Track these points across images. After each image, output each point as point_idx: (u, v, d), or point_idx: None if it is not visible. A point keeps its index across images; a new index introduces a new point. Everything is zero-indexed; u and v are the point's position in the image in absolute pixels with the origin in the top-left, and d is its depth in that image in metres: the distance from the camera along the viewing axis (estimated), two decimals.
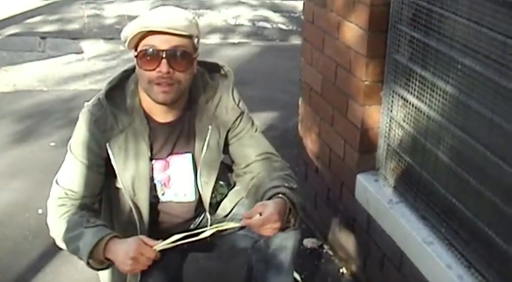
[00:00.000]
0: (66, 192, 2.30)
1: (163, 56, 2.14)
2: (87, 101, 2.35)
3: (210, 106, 2.39)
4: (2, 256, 3.44)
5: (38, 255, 3.44)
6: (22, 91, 5.87)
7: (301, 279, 2.69)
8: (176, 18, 2.15)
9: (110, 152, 2.29)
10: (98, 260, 2.19)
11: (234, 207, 2.56)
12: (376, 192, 2.87)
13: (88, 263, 2.19)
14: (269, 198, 2.26)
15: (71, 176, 2.32)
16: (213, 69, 2.45)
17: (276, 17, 8.63)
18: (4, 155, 4.58)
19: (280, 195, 2.26)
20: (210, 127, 2.38)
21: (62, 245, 2.30)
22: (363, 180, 2.97)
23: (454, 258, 2.42)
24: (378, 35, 2.73)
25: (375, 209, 2.90)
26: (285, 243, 2.40)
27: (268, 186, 2.33)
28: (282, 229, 2.25)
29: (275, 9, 8.97)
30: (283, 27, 8.08)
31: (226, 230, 2.27)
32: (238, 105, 2.45)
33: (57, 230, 2.28)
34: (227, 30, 8.07)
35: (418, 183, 2.67)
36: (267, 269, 2.46)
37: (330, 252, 3.48)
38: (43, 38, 7.52)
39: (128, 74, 2.35)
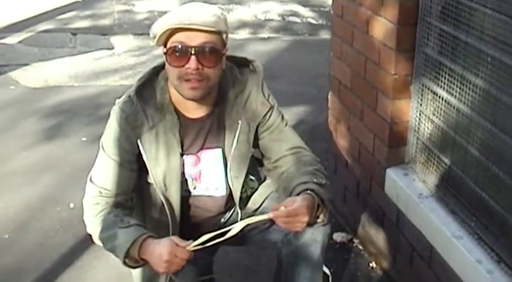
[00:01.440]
0: (100, 190, 2.32)
1: (192, 52, 2.15)
2: (118, 98, 2.36)
3: (240, 101, 2.39)
4: (33, 249, 3.49)
5: (68, 248, 3.48)
6: (53, 87, 5.94)
7: (331, 273, 2.68)
8: (205, 15, 2.15)
9: (141, 148, 2.30)
10: (134, 259, 2.21)
11: (264, 201, 2.56)
12: (405, 187, 2.86)
13: (124, 262, 2.22)
14: (298, 194, 2.27)
15: (104, 174, 2.34)
16: (242, 64, 2.46)
17: (305, 11, 8.62)
18: (36, 150, 4.64)
19: (308, 191, 2.26)
20: (239, 122, 2.38)
21: (99, 243, 2.32)
22: (392, 174, 2.96)
23: (483, 253, 2.40)
24: (407, 29, 2.71)
25: (404, 203, 2.88)
26: (315, 237, 2.39)
27: (298, 182, 2.33)
28: (310, 224, 2.25)
29: (304, 3, 8.94)
30: (313, 21, 8.06)
31: (255, 223, 2.27)
32: (267, 99, 2.45)
33: (93, 228, 2.31)
34: (257, 25, 8.07)
35: (448, 177, 2.65)
36: (297, 262, 2.46)
37: (360, 247, 3.47)
38: (74, 34, 7.60)
39: (158, 70, 2.36)
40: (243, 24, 8.05)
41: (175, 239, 2.16)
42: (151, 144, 2.31)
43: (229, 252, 3.20)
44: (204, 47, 2.16)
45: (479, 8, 2.29)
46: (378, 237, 3.23)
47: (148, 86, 2.33)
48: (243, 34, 7.67)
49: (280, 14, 8.52)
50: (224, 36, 2.25)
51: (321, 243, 2.41)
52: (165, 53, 2.21)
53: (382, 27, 2.83)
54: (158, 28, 2.17)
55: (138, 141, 2.29)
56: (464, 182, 2.55)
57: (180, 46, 2.16)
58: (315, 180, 2.33)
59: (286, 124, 2.51)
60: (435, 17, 2.58)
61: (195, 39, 2.15)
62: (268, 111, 2.45)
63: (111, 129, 2.32)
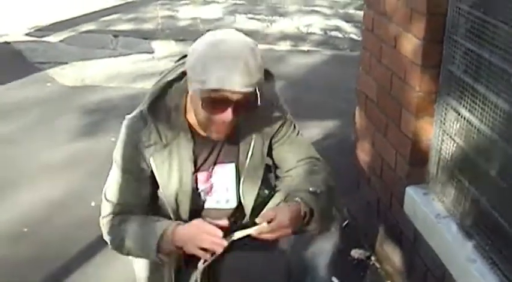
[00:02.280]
0: (118, 207, 2.31)
1: (231, 106, 2.05)
2: (128, 114, 2.31)
3: (254, 114, 2.34)
4: (53, 244, 3.52)
5: (86, 246, 3.49)
6: (90, 86, 6.01)
7: None
8: (253, 73, 2.01)
9: (153, 166, 2.27)
10: (166, 252, 2.20)
11: None
12: (424, 206, 2.82)
13: (157, 256, 2.21)
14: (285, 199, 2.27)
15: (121, 190, 2.31)
16: None
17: (348, 27, 8.59)
18: (65, 147, 4.69)
19: (296, 198, 2.24)
20: (253, 136, 2.35)
21: (127, 249, 2.30)
22: (412, 193, 2.92)
23: (496, 278, 2.34)
24: (433, 45, 2.67)
25: (422, 223, 2.84)
26: (324, 247, 2.38)
27: (292, 190, 2.32)
28: (296, 233, 2.23)
29: (348, 19, 8.92)
30: (355, 37, 8.01)
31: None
32: (281, 110, 2.42)
33: (119, 239, 2.29)
34: (298, 38, 8.07)
35: (466, 199, 2.61)
36: (305, 272, 2.44)
37: (377, 264, 3.42)
38: (116, 36, 7.69)
39: (171, 84, 2.25)
40: (284, 36, 8.05)
41: (208, 219, 2.16)
42: (164, 162, 2.27)
43: (238, 259, 3.18)
44: (243, 100, 2.05)
45: (503, 26, 2.25)
46: (394, 255, 3.19)
47: (162, 101, 2.24)
48: (284, 46, 7.67)
49: (323, 28, 8.50)
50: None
51: (328, 253, 2.39)
52: (200, 97, 2.07)
53: (409, 43, 2.80)
54: (198, 77, 2.02)
55: (151, 159, 2.25)
56: (481, 204, 2.50)
57: (220, 99, 2.03)
58: (310, 189, 2.30)
59: (298, 133, 2.48)
60: (461, 35, 2.54)
61: (236, 97, 2.03)
62: (281, 123, 2.42)
63: (124, 146, 2.28)
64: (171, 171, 2.29)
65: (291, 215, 2.16)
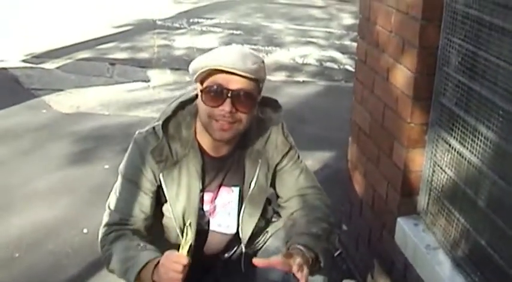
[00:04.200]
0: (120, 217, 2.33)
1: (229, 95, 2.15)
2: (140, 130, 2.36)
3: (261, 141, 2.39)
4: (42, 270, 3.52)
5: (76, 273, 3.50)
6: (84, 113, 6.03)
7: None
8: (247, 61, 2.15)
9: (163, 183, 2.30)
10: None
11: (268, 239, 2.56)
12: (414, 237, 2.82)
13: None
14: (289, 248, 2.26)
15: (125, 200, 2.35)
16: (263, 103, 2.45)
17: (343, 58, 8.65)
18: (58, 173, 4.70)
19: (299, 246, 2.23)
20: (259, 161, 2.39)
21: (112, 268, 2.31)
22: (403, 224, 2.92)
23: None
24: (425, 78, 2.69)
25: (412, 254, 2.84)
26: (315, 279, 2.37)
27: (295, 232, 2.33)
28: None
29: (343, 50, 8.98)
30: (350, 68, 8.05)
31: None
32: (287, 139, 2.45)
33: (108, 254, 2.30)
34: (294, 69, 8.13)
35: (456, 230, 2.61)
36: None
37: None
38: (112, 64, 7.74)
39: (183, 104, 2.35)
40: (280, 67, 8.10)
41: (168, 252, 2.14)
42: (173, 180, 2.31)
43: None
44: (241, 92, 2.16)
45: (493, 59, 2.28)
46: None
47: (174, 120, 2.32)
48: (279, 76, 7.71)
49: (318, 60, 8.56)
50: (261, 84, 2.26)
51: None
52: (201, 91, 2.21)
53: (401, 74, 2.83)
54: (199, 66, 2.17)
55: (161, 175, 2.29)
56: (471, 235, 2.51)
57: (217, 87, 2.15)
58: (313, 230, 2.32)
59: (301, 162, 2.51)
60: (453, 68, 2.57)
61: (233, 83, 2.15)
62: (287, 151, 2.45)
63: (135, 159, 2.32)
64: (179, 189, 2.32)
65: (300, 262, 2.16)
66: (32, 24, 9.33)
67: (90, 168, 4.79)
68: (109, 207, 2.38)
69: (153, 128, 2.31)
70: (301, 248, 2.23)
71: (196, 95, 2.29)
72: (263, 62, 2.24)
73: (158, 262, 2.14)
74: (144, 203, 2.34)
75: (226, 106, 2.15)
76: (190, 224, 2.31)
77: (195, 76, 2.19)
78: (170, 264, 2.07)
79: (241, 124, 2.22)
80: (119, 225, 2.33)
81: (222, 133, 2.22)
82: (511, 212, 2.25)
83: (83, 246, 3.70)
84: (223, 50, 2.22)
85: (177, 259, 2.07)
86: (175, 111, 2.32)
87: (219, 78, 2.15)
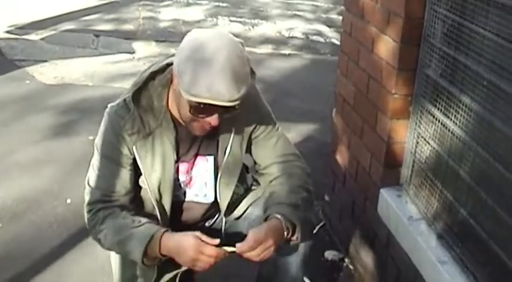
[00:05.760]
0: (103, 194, 2.29)
1: (218, 112, 2.09)
2: (111, 103, 2.32)
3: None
4: (25, 241, 3.50)
5: (60, 243, 3.49)
6: (68, 84, 5.99)
7: None
8: (240, 85, 2.03)
9: (136, 155, 2.27)
10: (152, 257, 2.19)
11: (248, 207, 2.55)
12: (397, 208, 2.83)
13: (142, 262, 2.19)
14: (266, 218, 2.26)
15: (105, 176, 2.30)
16: None
17: (329, 31, 8.63)
18: (42, 144, 4.67)
19: (278, 215, 2.24)
20: (233, 130, 2.36)
21: (109, 247, 2.30)
22: (385, 195, 2.93)
23: (466, 280, 2.36)
24: (410, 48, 2.69)
25: (395, 225, 2.85)
26: (296, 248, 2.38)
27: (273, 202, 2.34)
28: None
29: (330, 24, 8.96)
30: (336, 42, 8.02)
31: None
32: (261, 106, 2.43)
33: (101, 235, 2.27)
34: (280, 42, 8.10)
35: (439, 201, 2.62)
36: (277, 272, 2.45)
37: (350, 266, 3.43)
38: (97, 35, 7.68)
39: (154, 75, 2.26)
40: (266, 40, 8.08)
41: (200, 235, 2.13)
42: (147, 151, 2.28)
43: None
44: (230, 108, 2.08)
45: (479, 30, 2.27)
46: (368, 258, 3.20)
47: (145, 91, 2.25)
48: (265, 49, 7.69)
49: (304, 33, 8.54)
50: None
51: (301, 255, 2.40)
52: (188, 100, 2.08)
53: (386, 45, 2.82)
54: (185, 87, 2.03)
55: (134, 148, 2.25)
56: (453, 207, 2.51)
57: (207, 106, 2.06)
58: (292, 200, 2.32)
59: (278, 130, 2.48)
60: (438, 38, 2.56)
61: (222, 105, 2.05)
62: (262, 119, 2.42)
63: (108, 134, 2.28)
64: (153, 160, 2.29)
65: (273, 234, 2.17)
66: None
67: (74, 139, 4.76)
68: (89, 184, 2.33)
69: (124, 100, 2.25)
70: (279, 216, 2.23)
71: (167, 64, 2.23)
72: (249, 60, 2.11)
73: (162, 235, 2.15)
74: (123, 177, 2.31)
75: (214, 121, 2.11)
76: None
77: (181, 90, 2.07)
78: (197, 253, 2.09)
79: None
80: (103, 203, 2.29)
81: (203, 131, 2.21)
82: (493, 183, 2.26)
83: (67, 216, 3.69)
84: (212, 71, 1.99)
85: (209, 251, 2.10)
86: (145, 82, 2.25)
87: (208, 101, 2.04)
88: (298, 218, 2.28)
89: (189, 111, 2.11)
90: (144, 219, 2.25)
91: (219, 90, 1.99)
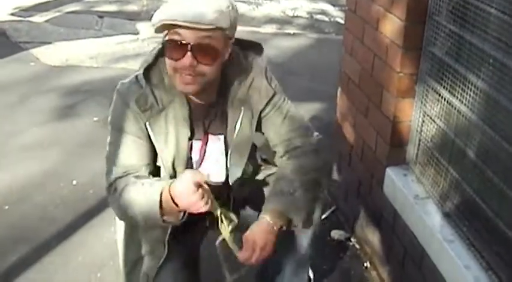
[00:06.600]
0: (124, 169, 2.27)
1: (188, 49, 2.05)
2: (123, 81, 2.30)
3: (243, 88, 2.32)
4: (31, 221, 3.53)
5: (66, 224, 3.51)
6: (73, 66, 5.99)
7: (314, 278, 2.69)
8: (204, 10, 2.03)
9: (150, 132, 2.25)
10: (172, 213, 2.15)
11: (257, 186, 2.54)
12: (403, 187, 2.82)
13: (164, 221, 2.16)
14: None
15: (125, 151, 2.28)
16: (247, 47, 2.40)
17: (334, 11, 8.59)
18: (47, 126, 4.68)
19: (267, 217, 2.24)
20: (242, 109, 2.33)
21: (130, 215, 2.25)
22: (391, 174, 2.92)
23: (473, 258, 2.36)
24: (415, 27, 2.67)
25: (401, 204, 2.85)
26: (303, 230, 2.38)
27: (270, 193, 2.36)
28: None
29: (334, 2, 8.91)
30: (340, 21, 7.99)
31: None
32: (270, 84, 2.40)
33: (121, 203, 2.24)
34: (284, 21, 8.06)
35: (445, 180, 2.61)
36: (285, 250, 2.43)
37: (357, 246, 3.44)
38: (101, 17, 7.67)
39: (163, 51, 2.22)
40: (270, 19, 8.04)
41: (188, 171, 2.12)
42: (161, 127, 2.26)
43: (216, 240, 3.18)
44: (201, 45, 2.06)
45: (485, 7, 2.25)
46: (374, 237, 3.20)
47: (155, 68, 2.25)
48: (269, 29, 7.66)
49: (309, 12, 8.50)
50: (227, 31, 2.14)
51: (310, 233, 2.40)
52: (163, 43, 2.13)
53: (391, 24, 2.80)
54: (154, 20, 2.07)
55: (147, 124, 2.24)
56: (460, 185, 2.51)
57: (176, 41, 2.06)
58: (290, 190, 2.31)
59: (286, 107, 2.44)
60: (444, 16, 2.54)
61: (192, 36, 2.04)
62: (271, 97, 2.40)
63: (121, 110, 2.26)
64: (167, 136, 2.28)
65: (265, 236, 2.19)
66: None
67: (79, 120, 4.76)
68: (108, 163, 2.31)
69: (136, 77, 2.24)
70: (268, 218, 2.24)
71: None
72: (229, 7, 2.12)
73: (171, 185, 2.11)
74: (141, 149, 2.29)
75: (186, 60, 2.06)
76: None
77: (154, 29, 2.09)
78: (196, 185, 2.05)
79: (205, 77, 2.14)
80: (127, 176, 2.26)
81: (186, 87, 2.15)
82: (499, 162, 2.25)
83: (73, 197, 3.71)
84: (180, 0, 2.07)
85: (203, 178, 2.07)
86: (156, 59, 2.24)
87: (178, 31, 2.04)
88: (297, 208, 2.28)
89: (166, 54, 2.11)
90: (159, 178, 2.27)
91: (183, 9, 2.01)
